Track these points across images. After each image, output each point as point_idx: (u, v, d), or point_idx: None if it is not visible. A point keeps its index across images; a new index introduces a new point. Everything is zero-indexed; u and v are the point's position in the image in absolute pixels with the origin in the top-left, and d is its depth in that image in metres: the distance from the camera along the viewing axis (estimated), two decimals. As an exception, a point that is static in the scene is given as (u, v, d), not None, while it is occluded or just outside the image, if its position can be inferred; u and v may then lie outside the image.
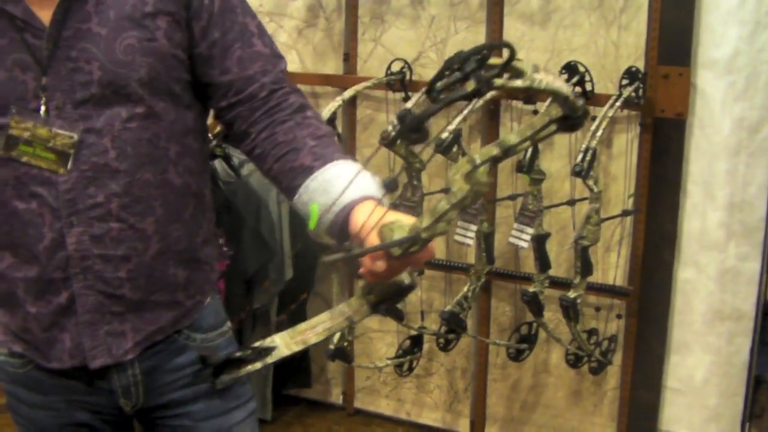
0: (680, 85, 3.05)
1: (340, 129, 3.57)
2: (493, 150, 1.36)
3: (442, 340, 3.36)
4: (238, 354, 1.66)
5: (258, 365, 1.64)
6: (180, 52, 1.69)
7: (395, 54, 3.42)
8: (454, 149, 2.96)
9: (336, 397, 3.97)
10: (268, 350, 1.63)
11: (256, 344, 1.65)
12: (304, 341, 1.63)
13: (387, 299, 1.60)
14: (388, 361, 3.39)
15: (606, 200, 3.14)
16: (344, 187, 1.59)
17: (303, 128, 1.71)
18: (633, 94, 3.00)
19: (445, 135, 2.92)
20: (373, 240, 1.48)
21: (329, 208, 1.60)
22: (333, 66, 3.61)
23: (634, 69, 3.03)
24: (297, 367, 3.86)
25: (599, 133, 2.90)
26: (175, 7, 1.67)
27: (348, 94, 3.25)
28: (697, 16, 3.04)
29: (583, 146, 2.87)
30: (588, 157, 2.86)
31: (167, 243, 1.75)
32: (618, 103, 2.95)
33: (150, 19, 1.64)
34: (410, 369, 3.45)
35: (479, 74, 1.28)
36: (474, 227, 3.14)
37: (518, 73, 1.35)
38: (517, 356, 3.34)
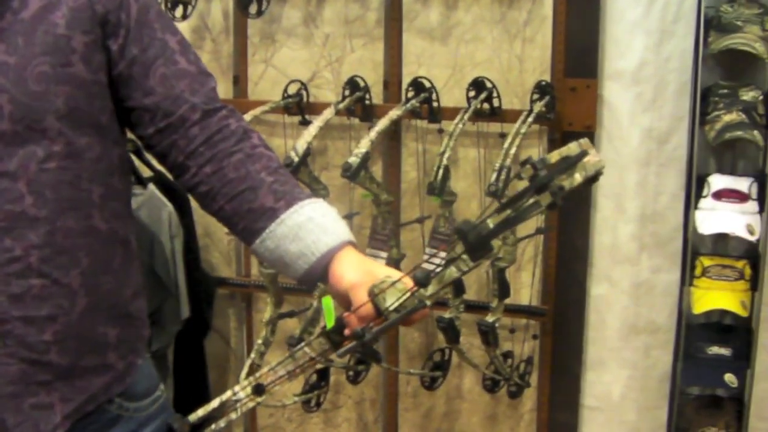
0: (588, 97, 3.00)
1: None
2: (507, 213, 1.33)
3: (351, 372, 3.22)
4: (200, 415, 1.47)
5: (222, 423, 1.46)
6: (101, 77, 1.51)
7: (288, 75, 3.27)
8: (362, 173, 2.82)
9: (238, 436, 3.78)
10: (232, 404, 1.47)
11: (215, 401, 1.47)
12: (261, 382, 1.46)
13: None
14: (295, 398, 3.22)
15: (516, 218, 3.04)
16: (318, 233, 1.46)
17: (254, 161, 1.55)
18: (543, 109, 2.92)
19: (352, 159, 2.78)
20: (362, 297, 1.38)
21: (303, 257, 1.48)
22: (222, 90, 3.36)
23: (543, 83, 2.94)
24: (195, 402, 3.65)
25: (513, 151, 2.80)
26: (90, 25, 1.48)
27: (245, 118, 3.06)
28: (603, 27, 2.97)
29: (497, 165, 2.77)
30: (503, 176, 2.76)
31: (96, 298, 1.55)
32: (530, 119, 2.86)
33: (64, 41, 1.45)
34: (318, 404, 3.28)
35: (554, 185, 1.31)
36: (384, 254, 3.01)
37: (570, 162, 1.33)
38: (431, 384, 3.21)
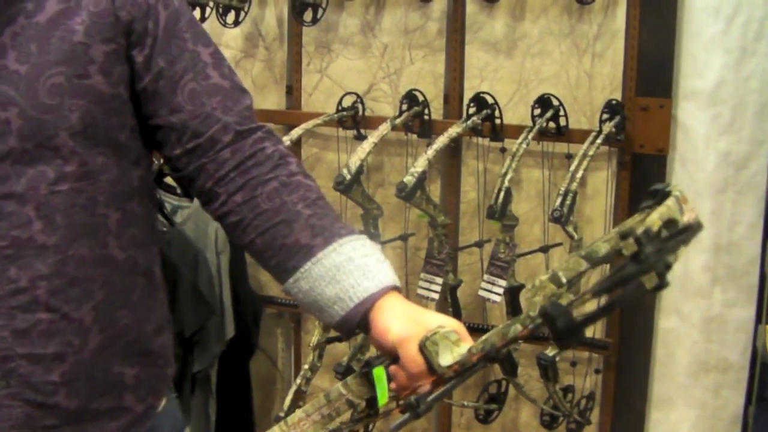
0: (661, 118, 2.81)
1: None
2: (581, 264, 1.16)
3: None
4: None
5: None
6: (122, 91, 1.36)
7: (343, 86, 3.12)
8: (418, 194, 2.66)
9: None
10: None
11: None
12: None
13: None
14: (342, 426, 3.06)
15: (582, 244, 2.85)
16: (357, 276, 1.31)
17: (291, 191, 1.39)
18: (613, 130, 2.73)
19: (407, 178, 2.62)
20: (412, 353, 1.24)
21: (340, 302, 1.33)
22: (274, 100, 3.28)
23: (614, 102, 2.76)
24: (238, 425, 3.52)
25: (579, 174, 2.62)
26: (112, 33, 1.33)
27: (296, 133, 2.92)
28: (678, 44, 2.78)
29: (563, 189, 2.60)
30: (568, 201, 2.58)
31: (111, 334, 1.40)
32: (599, 141, 2.68)
33: (81, 50, 1.30)
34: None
35: (660, 264, 1.10)
36: (439, 279, 2.84)
37: (682, 234, 1.16)
38: (486, 418, 3.03)
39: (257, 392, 3.47)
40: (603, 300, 1.13)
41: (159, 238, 1.55)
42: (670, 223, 1.16)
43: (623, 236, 1.12)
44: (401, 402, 1.28)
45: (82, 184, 1.33)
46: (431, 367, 1.26)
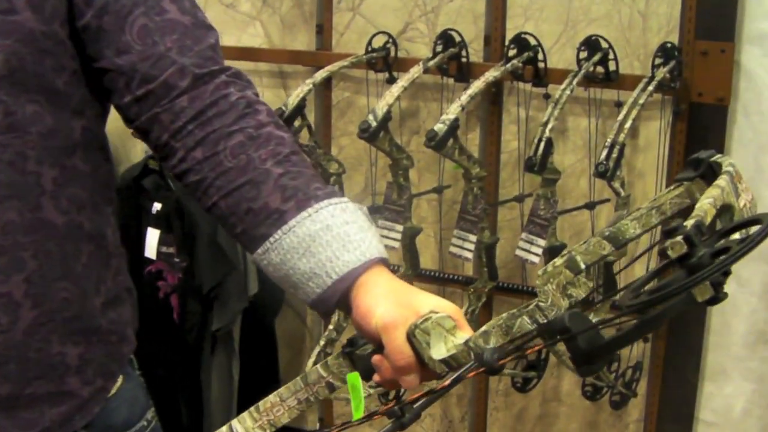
0: (722, 64, 2.55)
1: (312, 115, 3.02)
2: (604, 247, 0.98)
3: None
4: None
5: None
6: (57, 28, 1.14)
7: (377, 26, 2.89)
8: (450, 143, 2.44)
9: (312, 424, 3.44)
10: None
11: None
12: (274, 422, 1.17)
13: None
14: (371, 390, 2.87)
15: (631, 201, 2.61)
16: (336, 247, 1.12)
17: (259, 145, 1.17)
18: (667, 76, 2.48)
19: (438, 126, 2.39)
20: (398, 342, 1.06)
21: (316, 278, 1.13)
22: (304, 40, 3.06)
23: (669, 45, 2.52)
24: (263, 386, 3.35)
25: (628, 125, 2.38)
26: None
27: (320, 75, 2.69)
28: (744, -19, 2.53)
29: (609, 141, 2.36)
30: (614, 155, 2.34)
31: (47, 310, 1.19)
32: (651, 88, 2.43)
33: None
34: (397, 397, 2.91)
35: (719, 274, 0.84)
36: (473, 237, 2.62)
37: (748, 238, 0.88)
38: (523, 386, 2.81)
39: (285, 351, 3.31)
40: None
41: (113, 197, 1.34)
42: (724, 210, 0.93)
43: (667, 233, 0.88)
44: (389, 398, 1.07)
45: (7, 137, 1.12)
46: (421, 360, 1.07)
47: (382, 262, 1.14)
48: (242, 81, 1.23)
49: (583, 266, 0.97)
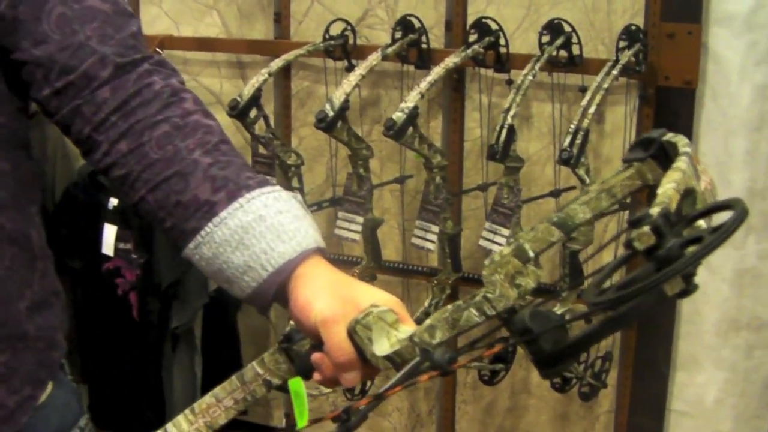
0: (689, 46, 2.50)
1: (271, 105, 2.95)
2: (552, 233, 0.94)
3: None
4: None
5: None
6: None
7: (336, 13, 2.83)
8: (409, 132, 2.39)
9: (278, 420, 3.39)
10: None
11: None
12: (211, 424, 1.14)
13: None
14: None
15: (597, 189, 2.55)
16: (271, 239, 1.07)
17: (186, 135, 1.11)
18: (632, 59, 2.42)
19: (397, 115, 2.33)
20: (338, 338, 1.02)
21: (251, 272, 1.08)
22: (262, 29, 3.00)
23: (634, 28, 2.46)
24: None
25: (592, 110, 2.32)
26: None
27: (276, 65, 2.62)
28: (709, -40, 2.48)
29: (572, 126, 2.30)
30: (578, 141, 2.29)
31: None
32: (615, 72, 2.37)
33: None
34: (363, 392, 2.86)
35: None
36: (435, 228, 2.56)
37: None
38: (491, 379, 2.75)
39: (249, 347, 3.25)
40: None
41: (38, 197, 1.27)
42: (687, 194, 0.88)
43: (633, 223, 0.81)
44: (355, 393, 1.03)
45: None
46: (363, 357, 1.02)
47: (319, 251, 1.09)
48: (167, 69, 1.16)
49: (531, 254, 0.92)
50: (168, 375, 2.96)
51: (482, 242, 2.51)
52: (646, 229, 0.80)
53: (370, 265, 2.64)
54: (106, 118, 1.11)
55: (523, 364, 2.91)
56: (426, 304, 2.67)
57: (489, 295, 0.93)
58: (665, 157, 0.97)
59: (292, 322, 1.18)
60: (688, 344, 2.79)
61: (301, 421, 1.04)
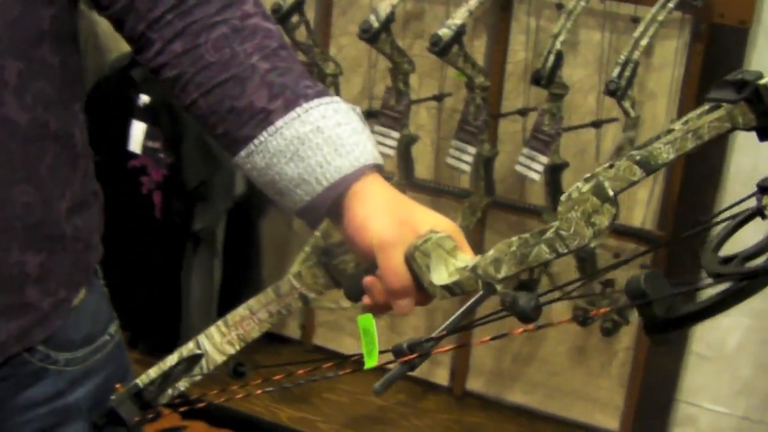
0: (747, -17, 2.42)
1: (311, 12, 2.88)
2: (634, 173, 0.87)
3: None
4: (140, 385, 1.14)
5: (180, 386, 1.14)
6: None
7: None
8: (454, 49, 2.33)
9: (293, 331, 3.36)
10: (192, 362, 1.13)
11: (172, 359, 1.14)
12: (244, 337, 1.13)
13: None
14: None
15: (640, 122, 2.49)
16: (328, 152, 1.03)
17: (244, 38, 1.06)
18: (690, -7, 2.36)
19: (443, 31, 2.28)
20: (395, 263, 0.98)
21: (305, 185, 1.04)
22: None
23: (694, -41, 2.38)
24: (245, 288, 3.27)
25: (644, 42, 2.25)
26: None
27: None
28: None
29: (622, 57, 2.24)
30: (627, 73, 2.23)
31: (6, 216, 1.07)
32: (671, 5, 2.30)
33: None
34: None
35: None
36: (472, 149, 2.51)
37: None
38: (611, 330, 2.73)
39: (270, 255, 3.22)
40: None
41: (82, 93, 1.22)
42: None
43: (765, 189, 0.77)
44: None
45: None
46: (418, 284, 0.99)
47: (377, 168, 1.05)
48: None
49: (611, 193, 0.88)
50: (186, 277, 2.94)
51: (518, 168, 2.46)
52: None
53: (402, 182, 2.60)
54: (162, 16, 1.06)
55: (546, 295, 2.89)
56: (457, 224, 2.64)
57: (562, 233, 0.90)
58: (759, 102, 0.92)
59: (325, 236, 1.15)
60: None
61: (370, 361, 0.99)
